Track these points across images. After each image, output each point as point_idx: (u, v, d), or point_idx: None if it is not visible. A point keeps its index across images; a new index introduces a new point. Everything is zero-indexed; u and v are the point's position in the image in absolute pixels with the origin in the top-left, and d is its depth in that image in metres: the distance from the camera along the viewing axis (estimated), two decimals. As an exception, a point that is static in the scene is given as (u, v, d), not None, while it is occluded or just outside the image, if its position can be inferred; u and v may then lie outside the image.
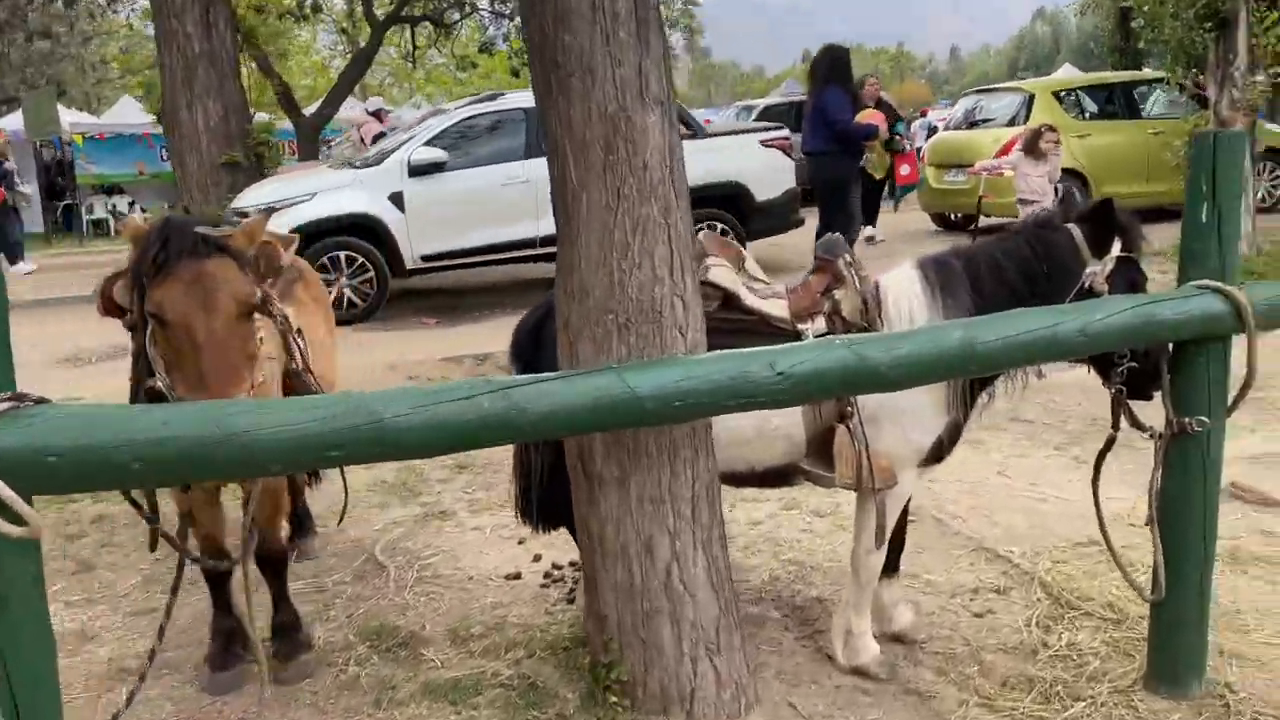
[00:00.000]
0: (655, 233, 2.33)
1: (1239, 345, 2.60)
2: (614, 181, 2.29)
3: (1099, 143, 10.90)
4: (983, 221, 11.50)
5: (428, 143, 8.62)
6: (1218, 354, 2.59)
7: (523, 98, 9.29)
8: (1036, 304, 2.62)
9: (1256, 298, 2.55)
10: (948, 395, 2.73)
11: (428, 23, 23.58)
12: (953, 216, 12.15)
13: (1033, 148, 7.95)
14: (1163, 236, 9.89)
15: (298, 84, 33.44)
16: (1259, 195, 11.55)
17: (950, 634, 3.11)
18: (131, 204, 20.04)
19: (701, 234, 2.92)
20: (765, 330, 2.74)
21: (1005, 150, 9.48)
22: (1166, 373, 2.63)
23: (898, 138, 10.92)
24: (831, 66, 8.19)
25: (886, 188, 12.25)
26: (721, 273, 2.74)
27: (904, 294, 2.76)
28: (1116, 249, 2.72)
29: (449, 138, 8.73)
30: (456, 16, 23.44)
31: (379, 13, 20.62)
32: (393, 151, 8.77)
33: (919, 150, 12.90)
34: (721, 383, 2.13)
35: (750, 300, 2.74)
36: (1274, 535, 3.77)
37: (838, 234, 2.87)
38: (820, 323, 2.74)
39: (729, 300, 2.72)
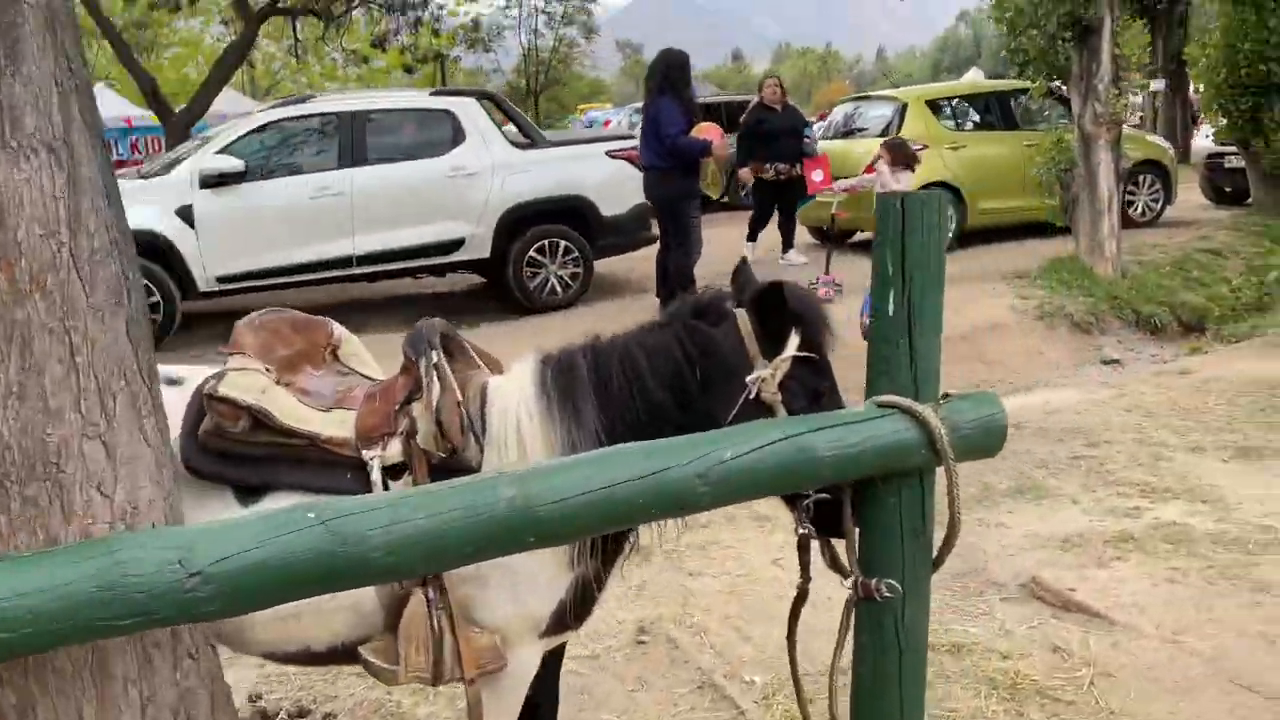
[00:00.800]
0: (45, 345, 1.54)
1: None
2: (-38, 269, 1.50)
3: (972, 154, 10.40)
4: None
5: (223, 150, 7.68)
6: (913, 494, 1.90)
7: (336, 101, 8.43)
8: (686, 422, 1.92)
9: (959, 418, 1.86)
10: (573, 546, 2.01)
11: (312, 16, 22.45)
12: (827, 230, 11.56)
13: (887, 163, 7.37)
14: (1038, 253, 9.51)
15: (185, 78, 31.88)
16: (1138, 210, 11.22)
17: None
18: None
19: (248, 319, 2.14)
20: (317, 458, 1.98)
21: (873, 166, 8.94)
22: (851, 514, 1.94)
23: (806, 140, 10.29)
24: (666, 74, 7.46)
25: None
26: (244, 381, 1.96)
27: (513, 406, 2.02)
28: (793, 346, 2.01)
29: (249, 145, 7.80)
30: (344, 9, 22.37)
31: (252, 2, 19.42)
32: (182, 160, 7.82)
33: None
34: (82, 596, 1.37)
35: (292, 417, 1.97)
36: (1068, 654, 3.13)
37: (433, 320, 2.11)
38: (395, 447, 1.98)
39: (260, 420, 1.95)
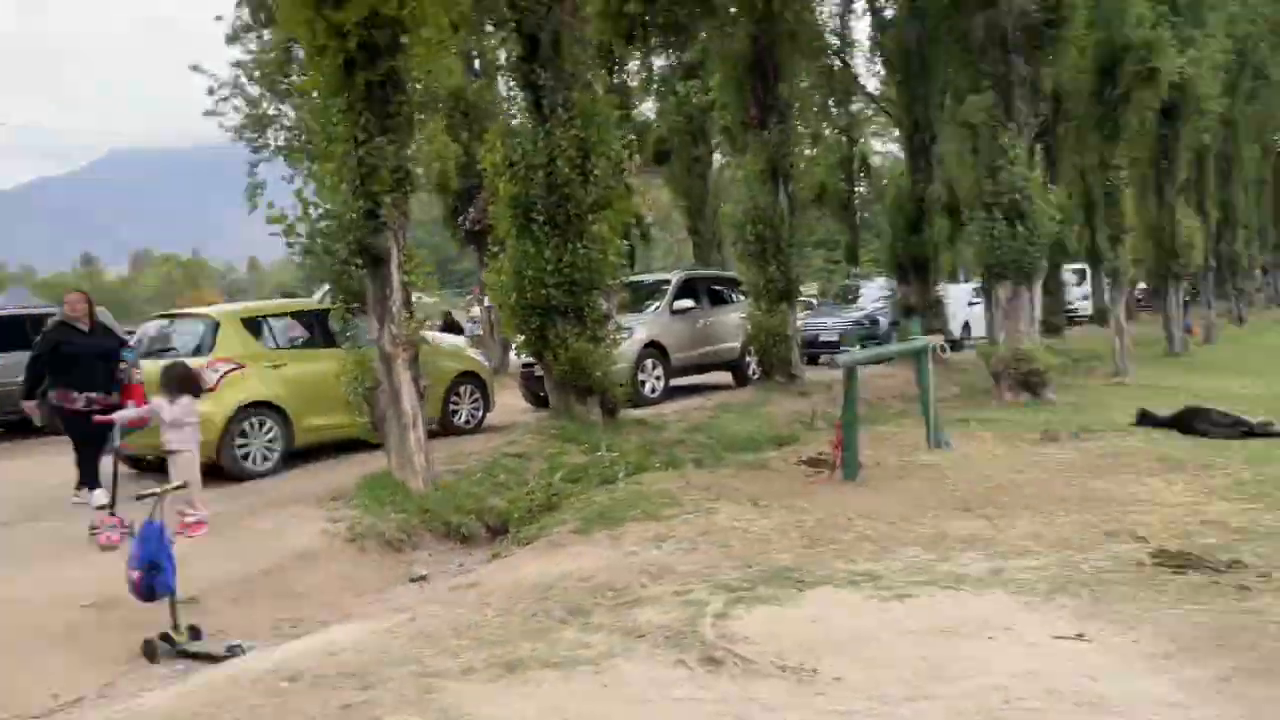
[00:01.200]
0: None
1: None
2: None
3: (295, 372, 10.24)
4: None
5: None
6: None
7: None
8: None
9: None
10: None
11: None
12: (148, 459, 10.35)
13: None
14: (362, 469, 9.47)
15: None
16: (463, 418, 12.01)
17: None
18: None
19: None
20: None
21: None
22: None
23: (123, 365, 8.74)
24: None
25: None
26: None
27: None
28: None
29: None
30: None
31: None
32: None
33: None
34: None
35: None
36: None
37: None
38: None
39: None
